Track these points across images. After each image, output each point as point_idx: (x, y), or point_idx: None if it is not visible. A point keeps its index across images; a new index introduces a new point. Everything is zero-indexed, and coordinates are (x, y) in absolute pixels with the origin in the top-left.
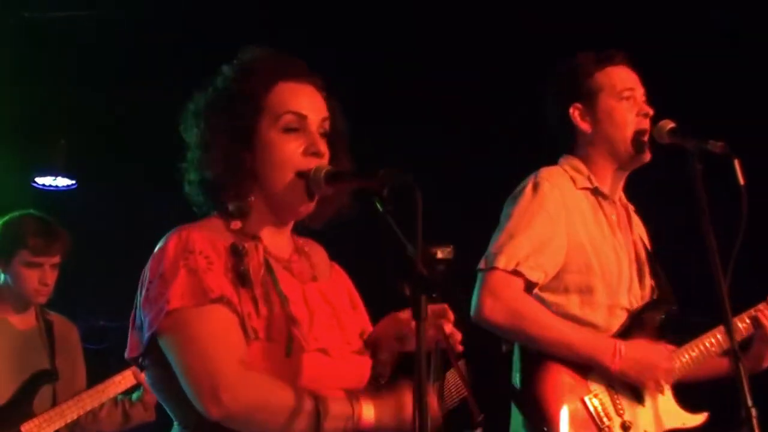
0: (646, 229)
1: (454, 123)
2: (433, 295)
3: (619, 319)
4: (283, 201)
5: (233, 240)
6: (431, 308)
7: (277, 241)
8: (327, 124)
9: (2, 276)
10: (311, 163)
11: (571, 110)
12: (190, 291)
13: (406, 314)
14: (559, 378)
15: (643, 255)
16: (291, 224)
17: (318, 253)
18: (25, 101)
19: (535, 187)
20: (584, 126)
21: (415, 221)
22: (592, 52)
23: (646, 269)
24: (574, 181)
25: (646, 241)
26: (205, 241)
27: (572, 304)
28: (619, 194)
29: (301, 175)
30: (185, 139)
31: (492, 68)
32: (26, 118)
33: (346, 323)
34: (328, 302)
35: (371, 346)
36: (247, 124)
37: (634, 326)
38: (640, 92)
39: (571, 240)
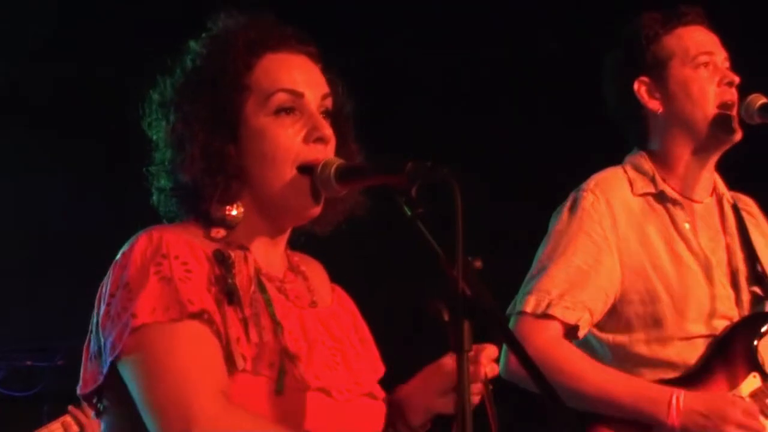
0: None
1: (498, 106)
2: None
3: (699, 350)
4: (281, 205)
5: (216, 247)
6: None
7: (269, 255)
8: (329, 103)
9: None
10: (316, 153)
11: (636, 86)
12: (162, 303)
13: (449, 359)
14: None
15: (739, 260)
16: (287, 235)
17: (317, 272)
18: None
19: (574, 202)
20: (653, 104)
21: (454, 227)
22: (658, 11)
23: (743, 278)
24: (632, 185)
25: (755, 240)
26: (182, 245)
27: (637, 341)
28: (709, 189)
29: (304, 169)
30: (150, 136)
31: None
32: None
33: (354, 360)
34: (330, 334)
35: (397, 405)
36: (229, 111)
37: (715, 357)
38: (721, 56)
39: (627, 263)
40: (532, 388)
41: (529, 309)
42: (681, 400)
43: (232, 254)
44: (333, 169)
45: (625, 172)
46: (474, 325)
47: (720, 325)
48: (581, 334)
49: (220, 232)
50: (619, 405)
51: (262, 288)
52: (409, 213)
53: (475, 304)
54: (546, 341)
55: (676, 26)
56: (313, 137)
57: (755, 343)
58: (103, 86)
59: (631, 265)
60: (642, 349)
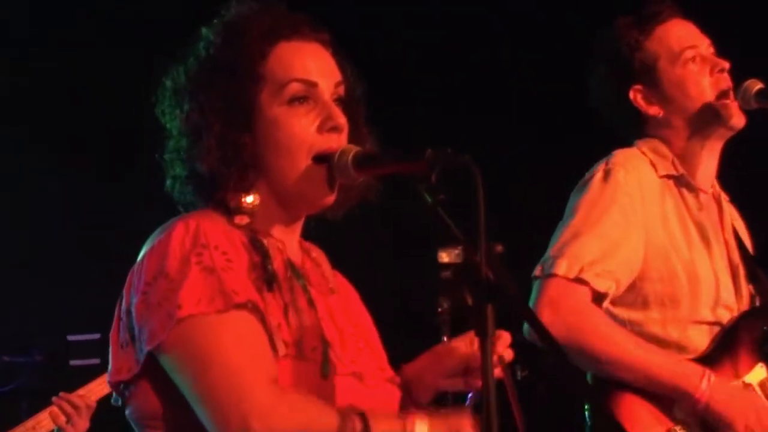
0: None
1: (502, 100)
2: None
3: (707, 337)
4: (296, 193)
5: (245, 234)
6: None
7: (288, 242)
8: (342, 90)
9: None
10: (330, 142)
11: (631, 95)
12: (208, 294)
13: (461, 343)
14: (635, 412)
15: (736, 256)
16: (302, 222)
17: (323, 260)
18: None
19: (607, 174)
20: (653, 110)
21: (476, 213)
22: (632, 14)
23: (742, 273)
24: (655, 166)
25: (743, 237)
26: (219, 234)
27: (652, 321)
28: (712, 180)
29: (320, 159)
30: (164, 123)
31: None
32: None
33: (375, 346)
34: (351, 320)
35: (404, 383)
36: (243, 100)
37: (725, 345)
38: (705, 45)
39: (651, 241)
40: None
41: (561, 272)
42: (711, 380)
43: (265, 241)
44: (351, 157)
45: (644, 153)
46: (497, 310)
47: (723, 314)
48: (605, 304)
49: (244, 219)
50: (653, 377)
51: (296, 274)
52: (429, 200)
53: (498, 288)
54: (576, 304)
55: (653, 27)
56: (327, 126)
57: (764, 332)
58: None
59: (655, 242)
60: (656, 329)
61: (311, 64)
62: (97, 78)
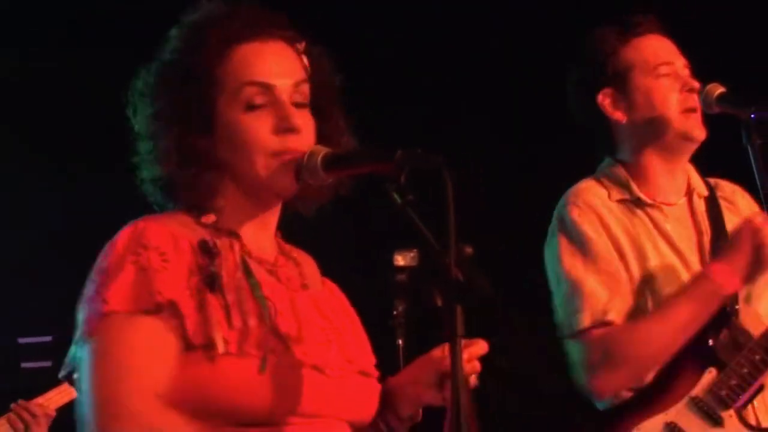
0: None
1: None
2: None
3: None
4: (260, 186)
5: (203, 236)
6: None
7: (259, 239)
8: (305, 89)
9: None
10: (287, 143)
11: (599, 98)
12: (134, 293)
13: (439, 350)
14: None
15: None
16: (276, 219)
17: (308, 263)
18: None
19: (563, 221)
20: (617, 115)
21: (446, 214)
22: (614, 22)
23: None
24: (609, 192)
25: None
26: (164, 236)
27: None
28: (683, 189)
29: (276, 155)
30: (134, 126)
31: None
32: None
33: (348, 339)
34: (322, 314)
35: (387, 396)
36: (202, 104)
37: (682, 356)
38: (680, 63)
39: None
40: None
41: (587, 323)
42: (717, 267)
43: (218, 242)
44: (320, 158)
45: (599, 181)
46: (466, 311)
47: None
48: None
49: (210, 218)
50: (690, 319)
51: (248, 273)
52: (399, 200)
53: (467, 289)
54: (606, 341)
55: (631, 38)
56: (281, 128)
57: (710, 341)
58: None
59: (628, 273)
60: None
61: (268, 66)
62: (96, 78)
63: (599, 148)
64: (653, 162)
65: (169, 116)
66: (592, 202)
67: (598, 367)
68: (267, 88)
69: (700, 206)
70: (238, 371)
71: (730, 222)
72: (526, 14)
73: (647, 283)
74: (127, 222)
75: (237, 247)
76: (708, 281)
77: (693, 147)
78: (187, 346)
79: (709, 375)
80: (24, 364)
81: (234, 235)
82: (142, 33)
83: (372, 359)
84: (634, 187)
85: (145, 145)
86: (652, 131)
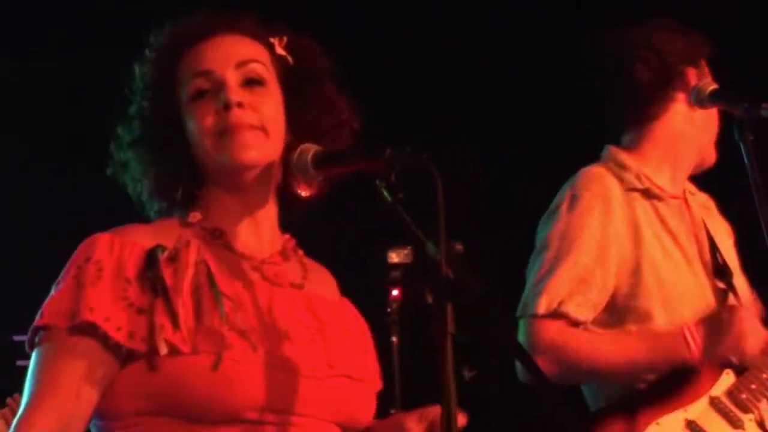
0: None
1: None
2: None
3: None
4: (216, 166)
5: (174, 239)
6: (426, 413)
7: (247, 235)
8: (255, 68)
9: None
10: (227, 119)
11: (690, 73)
12: (63, 308)
13: (411, 420)
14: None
15: (707, 254)
16: (267, 216)
17: (322, 276)
18: None
19: (573, 200)
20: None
21: (435, 212)
22: (680, 31)
23: (711, 271)
24: (621, 181)
25: (724, 235)
26: (112, 247)
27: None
28: (682, 185)
29: (220, 134)
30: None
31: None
32: None
33: (336, 345)
34: (313, 314)
35: None
36: (168, 111)
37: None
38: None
39: (622, 258)
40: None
41: (541, 311)
42: (694, 332)
43: (178, 246)
44: (310, 156)
45: (609, 169)
46: (455, 308)
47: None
48: (585, 327)
49: (196, 216)
50: (643, 365)
51: (208, 273)
52: (389, 198)
53: (457, 287)
54: (554, 334)
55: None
56: (219, 107)
57: None
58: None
59: (625, 259)
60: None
61: (208, 55)
62: (96, 78)
63: (613, 128)
64: (667, 163)
65: (140, 138)
66: (606, 191)
67: (535, 355)
68: (207, 74)
69: (694, 204)
70: (191, 369)
71: (711, 225)
72: (525, 13)
73: (651, 275)
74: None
75: (195, 247)
76: (681, 345)
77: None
78: (127, 355)
79: (727, 376)
80: (19, 362)
81: (217, 232)
82: (142, 33)
83: (367, 368)
84: (644, 175)
85: (125, 167)
86: (678, 147)
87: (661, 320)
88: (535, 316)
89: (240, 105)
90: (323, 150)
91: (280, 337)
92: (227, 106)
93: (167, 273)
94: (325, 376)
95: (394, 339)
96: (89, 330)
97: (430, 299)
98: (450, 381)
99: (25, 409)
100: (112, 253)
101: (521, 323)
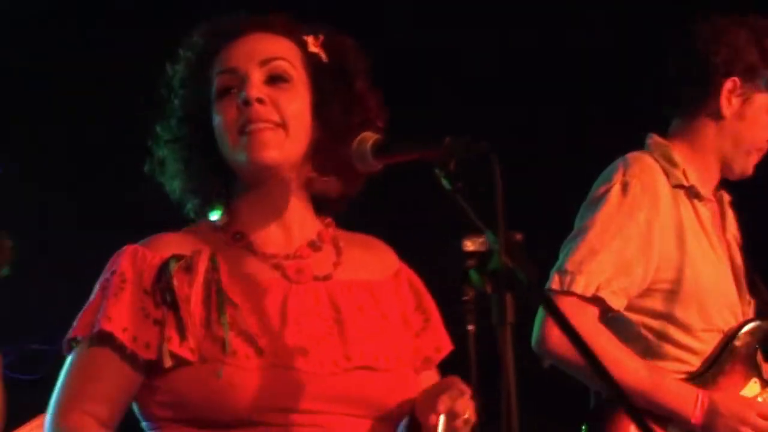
0: (738, 225)
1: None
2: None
3: (712, 344)
4: (240, 165)
5: (192, 248)
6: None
7: (271, 232)
8: (281, 65)
9: None
10: (247, 113)
11: (729, 84)
12: (91, 320)
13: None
14: None
15: (738, 261)
16: (295, 209)
17: (363, 254)
18: None
19: (625, 187)
20: (724, 104)
21: (494, 201)
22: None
23: (743, 279)
24: (667, 175)
25: (739, 243)
26: (135, 258)
27: (664, 326)
28: (715, 185)
29: (241, 129)
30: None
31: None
32: None
33: (360, 333)
34: (334, 306)
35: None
36: (201, 112)
37: (725, 352)
38: None
39: (664, 254)
40: (566, 367)
41: (578, 290)
42: (705, 400)
43: (193, 255)
44: (369, 144)
45: (657, 160)
46: (516, 298)
47: (732, 321)
48: (613, 314)
49: (223, 219)
50: (650, 399)
51: (217, 281)
52: (448, 187)
53: (516, 277)
54: (587, 324)
55: None
56: (239, 102)
57: (756, 348)
58: None
59: (667, 255)
60: (667, 331)
61: (235, 53)
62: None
63: (666, 109)
64: (713, 160)
65: (176, 136)
66: (656, 185)
67: (554, 327)
68: (231, 72)
69: (728, 210)
70: (196, 378)
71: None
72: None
73: (692, 275)
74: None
75: (205, 256)
76: (690, 400)
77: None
78: (146, 365)
79: (754, 385)
80: None
81: (238, 235)
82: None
83: (399, 352)
84: (689, 172)
85: (162, 165)
86: (731, 146)
87: (695, 318)
88: (571, 293)
89: (260, 101)
90: (383, 138)
91: (291, 336)
92: (247, 102)
93: (182, 283)
94: (340, 371)
95: (470, 327)
96: (106, 339)
97: (489, 289)
98: (510, 371)
99: (50, 414)
100: (134, 265)
101: (552, 296)
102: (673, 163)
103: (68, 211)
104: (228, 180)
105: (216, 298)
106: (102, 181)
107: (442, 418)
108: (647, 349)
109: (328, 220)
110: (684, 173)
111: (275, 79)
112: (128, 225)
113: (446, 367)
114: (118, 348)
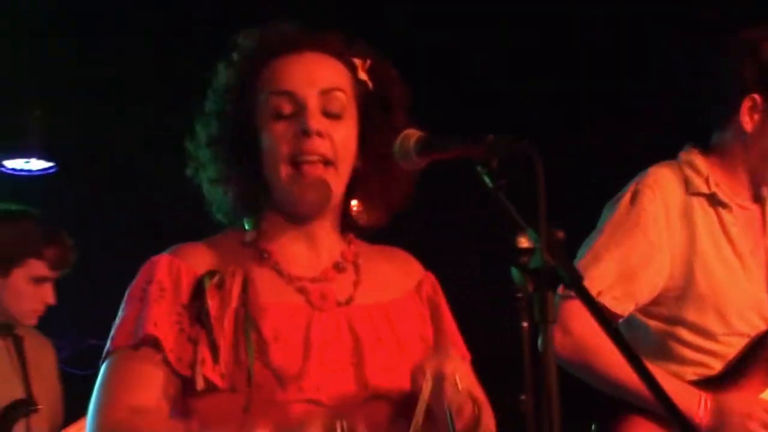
0: None
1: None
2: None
3: (736, 347)
4: (286, 197)
5: (225, 264)
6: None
7: (297, 255)
8: (340, 97)
9: None
10: (302, 145)
11: (747, 102)
12: (131, 328)
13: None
14: None
15: None
16: (325, 233)
17: (382, 271)
18: None
19: (634, 196)
20: (745, 120)
21: (536, 198)
22: None
23: None
24: (687, 183)
25: None
26: (171, 269)
27: (680, 331)
28: (755, 194)
29: (293, 159)
30: (193, 151)
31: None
32: None
33: (374, 363)
34: (353, 334)
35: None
36: (244, 125)
37: (749, 358)
38: None
39: (675, 261)
40: (573, 370)
41: None
42: (711, 402)
43: (224, 275)
44: (413, 142)
45: (681, 169)
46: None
47: (763, 325)
48: (621, 319)
49: (252, 235)
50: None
51: (245, 305)
52: (490, 185)
53: (558, 275)
54: (587, 326)
55: None
56: (298, 131)
57: None
58: None
59: (680, 262)
60: (684, 336)
61: (296, 75)
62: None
63: (699, 122)
64: (742, 170)
65: (216, 139)
66: (668, 194)
67: (556, 330)
68: (291, 96)
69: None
70: (225, 407)
71: None
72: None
73: (704, 281)
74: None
75: (240, 277)
76: (694, 400)
77: None
78: (182, 380)
79: None
80: None
81: (264, 253)
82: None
83: (405, 384)
84: (712, 182)
85: (201, 167)
86: (760, 158)
87: (712, 323)
88: (572, 297)
89: (319, 134)
90: (426, 136)
91: (314, 368)
92: (307, 132)
93: (214, 303)
94: (360, 402)
95: (524, 324)
96: (153, 343)
97: (530, 287)
98: (552, 369)
99: (92, 411)
100: (171, 275)
101: (557, 301)
102: (696, 171)
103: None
104: (262, 194)
105: (244, 325)
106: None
107: (428, 377)
108: (665, 353)
109: (350, 236)
110: (707, 181)
111: (332, 115)
112: (181, 228)
113: (497, 365)
114: (164, 354)
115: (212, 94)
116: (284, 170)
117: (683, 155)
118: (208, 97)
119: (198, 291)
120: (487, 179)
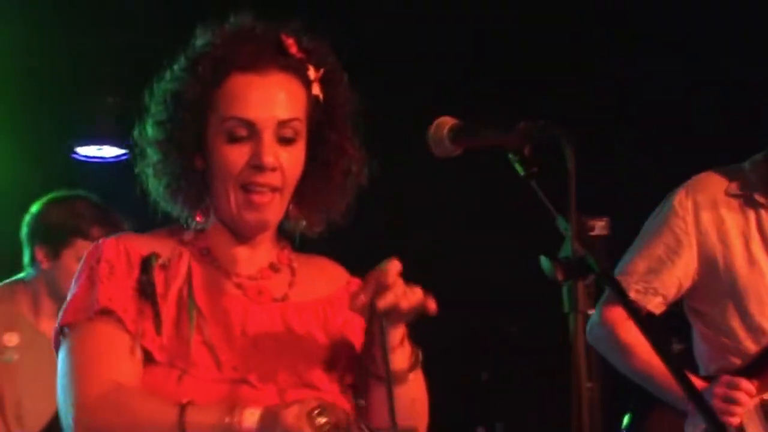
0: None
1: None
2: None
3: (761, 344)
4: (232, 218)
5: (157, 250)
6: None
7: (237, 255)
8: (296, 126)
9: (31, 270)
10: (255, 177)
11: None
12: (82, 305)
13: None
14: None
15: None
16: (264, 240)
17: (316, 270)
18: (61, 51)
19: (668, 199)
20: None
21: (568, 186)
22: None
23: None
24: (727, 185)
25: None
26: (119, 250)
27: (705, 329)
28: None
29: (244, 188)
30: (139, 141)
31: None
32: (63, 72)
33: (308, 353)
34: (287, 327)
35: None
36: (195, 130)
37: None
38: None
39: (703, 259)
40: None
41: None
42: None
43: (169, 256)
44: (447, 129)
45: (733, 171)
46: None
47: None
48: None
49: (189, 235)
50: (657, 386)
51: (189, 285)
52: (523, 173)
53: (588, 264)
54: (617, 321)
55: None
56: (252, 164)
57: None
58: None
59: (707, 260)
60: (706, 332)
61: (255, 101)
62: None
63: None
64: None
65: (166, 136)
66: (700, 194)
67: (593, 325)
68: (248, 125)
69: None
70: (161, 379)
71: None
72: None
73: (728, 280)
74: None
75: (186, 259)
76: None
77: None
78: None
79: None
80: None
81: (204, 250)
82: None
83: (331, 376)
84: (749, 183)
85: (146, 160)
86: None
87: (735, 320)
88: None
89: (273, 169)
90: (459, 123)
91: (247, 352)
92: (260, 168)
93: (159, 280)
94: (288, 387)
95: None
96: (109, 314)
97: (560, 276)
98: (581, 358)
99: (68, 390)
100: (119, 255)
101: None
102: (739, 174)
103: None
104: (203, 198)
105: (187, 302)
106: None
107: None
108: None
109: (284, 243)
110: (745, 184)
111: (287, 141)
112: None
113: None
114: (122, 325)
115: (170, 98)
116: (233, 194)
117: (752, 157)
118: (161, 88)
119: (145, 266)
120: (519, 167)
